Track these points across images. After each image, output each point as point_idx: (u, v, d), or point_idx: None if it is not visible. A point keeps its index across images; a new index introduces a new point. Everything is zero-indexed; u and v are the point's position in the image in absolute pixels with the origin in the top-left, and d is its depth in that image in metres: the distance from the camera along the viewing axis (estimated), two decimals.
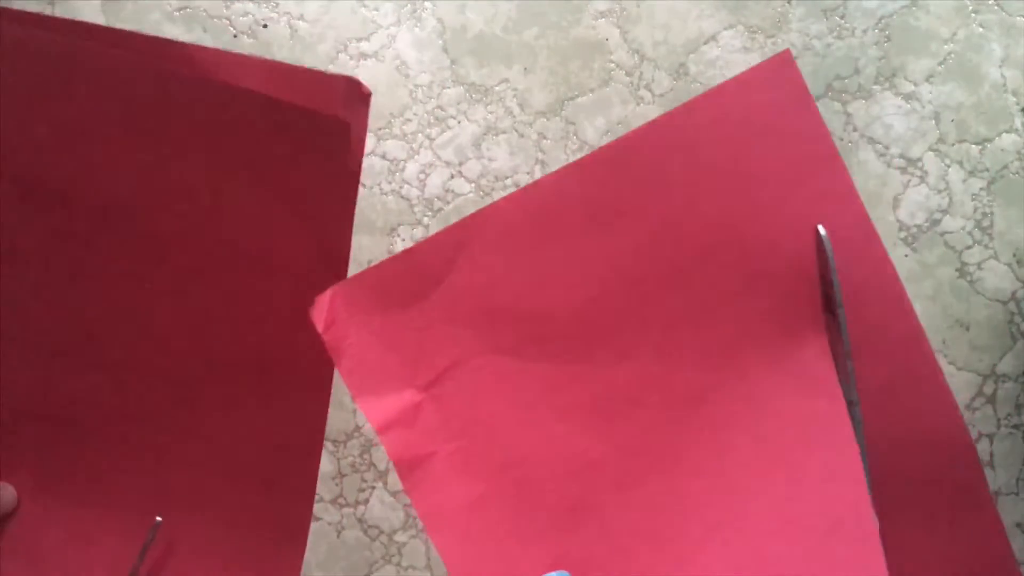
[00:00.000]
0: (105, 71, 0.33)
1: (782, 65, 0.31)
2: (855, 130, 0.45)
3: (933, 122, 0.45)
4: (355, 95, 0.33)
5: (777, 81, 0.31)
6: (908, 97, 0.45)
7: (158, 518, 0.38)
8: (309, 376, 0.36)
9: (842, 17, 0.46)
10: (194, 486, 0.38)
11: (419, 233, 0.45)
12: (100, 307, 0.36)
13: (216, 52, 0.33)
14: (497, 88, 0.45)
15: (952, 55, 0.45)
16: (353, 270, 0.45)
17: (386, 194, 0.45)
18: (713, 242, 0.32)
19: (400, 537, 0.44)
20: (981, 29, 0.45)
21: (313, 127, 0.33)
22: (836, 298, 0.32)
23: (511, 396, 0.33)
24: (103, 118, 0.33)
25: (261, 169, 0.34)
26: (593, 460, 0.32)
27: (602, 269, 0.32)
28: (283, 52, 0.45)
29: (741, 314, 0.32)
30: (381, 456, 0.45)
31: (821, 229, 0.32)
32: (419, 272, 0.33)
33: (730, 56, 0.45)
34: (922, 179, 0.45)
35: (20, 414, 0.38)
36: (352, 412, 0.45)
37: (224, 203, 0.35)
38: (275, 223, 0.35)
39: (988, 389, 0.45)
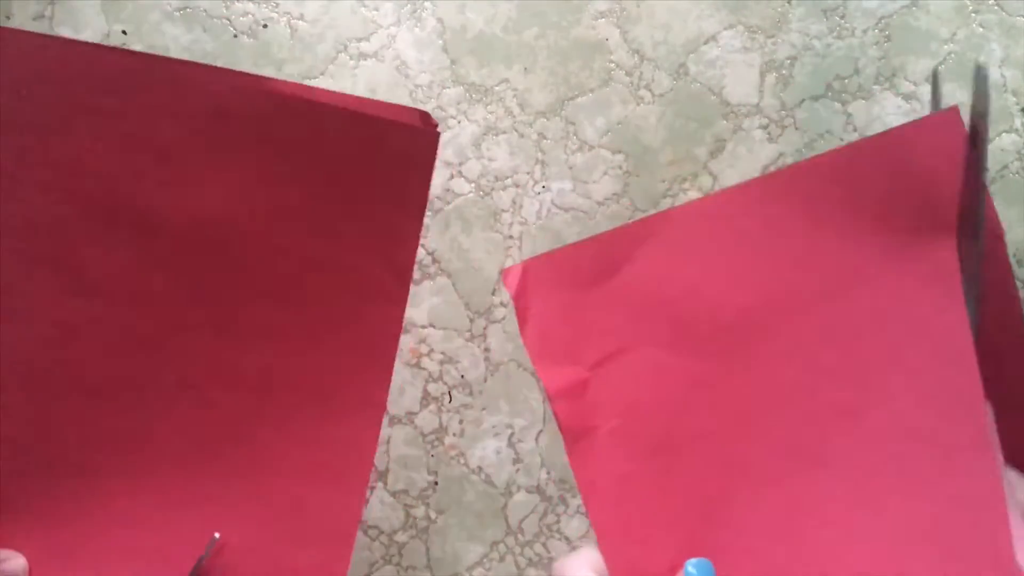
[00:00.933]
0: (188, 90, 0.34)
1: (947, 123, 0.32)
2: (855, 130, 0.45)
3: None
4: (427, 125, 0.36)
5: (939, 139, 0.32)
6: (908, 97, 0.45)
7: (216, 534, 0.37)
8: (364, 397, 0.37)
9: (842, 17, 0.46)
10: (243, 515, 0.38)
11: None
12: (186, 331, 0.37)
13: (298, 85, 0.35)
14: (497, 88, 0.45)
15: (952, 55, 0.45)
16: None
17: None
18: (854, 277, 0.34)
19: (400, 537, 0.44)
20: (981, 29, 0.45)
21: (386, 155, 0.35)
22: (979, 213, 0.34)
23: (667, 387, 0.35)
24: (185, 139, 0.35)
25: (339, 190, 0.36)
26: (737, 455, 0.34)
27: (763, 280, 0.35)
28: (283, 52, 0.45)
29: (890, 343, 0.34)
30: (381, 456, 0.45)
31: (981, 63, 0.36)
32: (600, 259, 0.35)
33: (730, 56, 0.45)
34: None
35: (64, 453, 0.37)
36: None
37: (301, 221, 0.36)
38: (347, 240, 0.36)
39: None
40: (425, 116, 0.36)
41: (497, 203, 0.45)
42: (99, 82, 0.34)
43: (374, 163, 0.36)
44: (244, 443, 0.37)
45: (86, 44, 0.34)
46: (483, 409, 0.43)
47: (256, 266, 0.36)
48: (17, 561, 0.37)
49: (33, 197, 0.34)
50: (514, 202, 0.45)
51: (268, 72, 0.45)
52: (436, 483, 0.45)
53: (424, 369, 0.45)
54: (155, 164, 0.35)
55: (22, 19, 0.45)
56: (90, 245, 0.35)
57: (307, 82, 0.45)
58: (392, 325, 0.37)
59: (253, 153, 0.35)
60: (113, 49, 0.35)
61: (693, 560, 0.33)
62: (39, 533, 0.37)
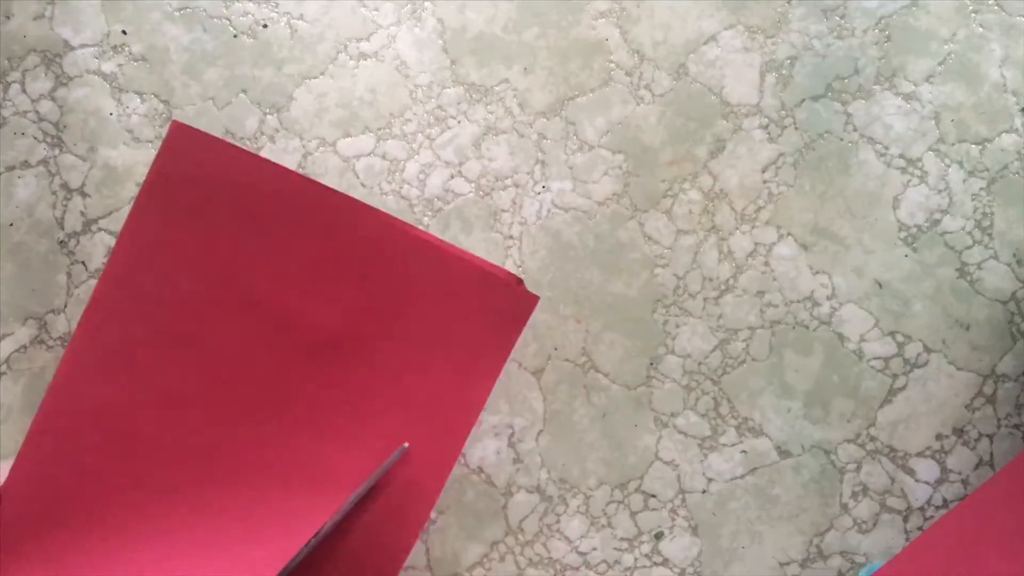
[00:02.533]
0: (345, 223, 0.42)
1: None
2: (855, 130, 0.45)
3: (933, 122, 0.45)
4: (522, 292, 0.42)
5: None
6: (908, 97, 0.45)
7: (406, 444, 0.41)
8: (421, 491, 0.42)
9: (842, 17, 0.46)
10: None
11: None
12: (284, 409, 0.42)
13: (433, 238, 0.42)
14: (497, 88, 0.45)
15: (952, 55, 0.45)
16: None
17: (386, 194, 0.45)
18: None
19: None
20: (981, 29, 0.45)
21: (493, 308, 0.42)
22: None
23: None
24: (330, 260, 0.41)
25: (442, 329, 0.42)
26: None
27: None
28: (283, 52, 0.45)
29: None
30: None
31: None
32: None
33: (730, 56, 0.45)
34: (922, 179, 0.45)
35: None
36: None
37: (403, 344, 0.42)
38: (435, 365, 0.42)
39: (988, 389, 0.45)
40: (519, 280, 0.42)
41: (497, 203, 0.45)
42: (271, 197, 0.41)
43: (482, 313, 0.41)
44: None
45: (270, 163, 0.42)
46: (483, 409, 0.43)
47: (353, 367, 0.42)
48: None
49: (187, 283, 0.41)
50: (514, 202, 0.45)
51: (267, 72, 0.45)
52: None
53: None
54: (299, 274, 0.41)
55: (22, 19, 0.45)
56: (227, 330, 0.41)
57: (307, 82, 0.45)
58: (447, 462, 0.42)
59: (381, 283, 0.41)
60: (290, 172, 0.42)
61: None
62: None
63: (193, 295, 0.41)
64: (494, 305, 0.41)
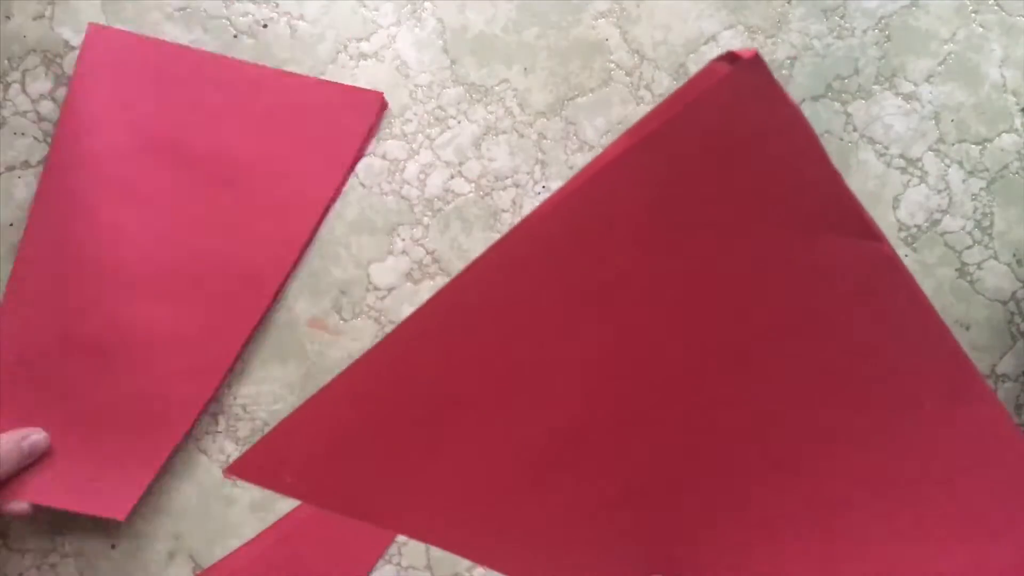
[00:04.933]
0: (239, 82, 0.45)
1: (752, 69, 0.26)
2: (855, 130, 0.45)
3: (933, 122, 0.45)
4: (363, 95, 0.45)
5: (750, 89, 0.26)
6: (908, 97, 0.45)
7: None
8: None
9: (842, 17, 0.46)
10: None
11: (419, 233, 0.45)
12: None
13: None
14: (497, 88, 0.45)
15: (952, 55, 0.45)
16: (353, 270, 0.45)
17: (386, 194, 0.45)
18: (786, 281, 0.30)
19: (400, 537, 0.44)
20: (981, 29, 0.45)
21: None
22: None
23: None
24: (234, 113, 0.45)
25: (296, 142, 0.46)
26: (704, 475, 0.33)
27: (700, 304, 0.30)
28: (283, 52, 0.45)
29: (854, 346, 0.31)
30: None
31: None
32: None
33: None
34: (922, 179, 0.45)
35: None
36: None
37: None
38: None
39: None
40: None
41: (497, 203, 0.45)
42: (191, 78, 0.45)
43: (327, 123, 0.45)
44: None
45: (181, 47, 0.45)
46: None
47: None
48: (39, 435, 0.42)
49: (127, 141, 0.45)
50: (514, 202, 0.45)
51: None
52: None
53: None
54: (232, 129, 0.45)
55: (22, 19, 0.45)
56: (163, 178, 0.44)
57: None
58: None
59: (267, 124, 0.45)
60: (204, 53, 0.45)
61: None
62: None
63: (131, 151, 0.44)
64: (339, 114, 0.45)
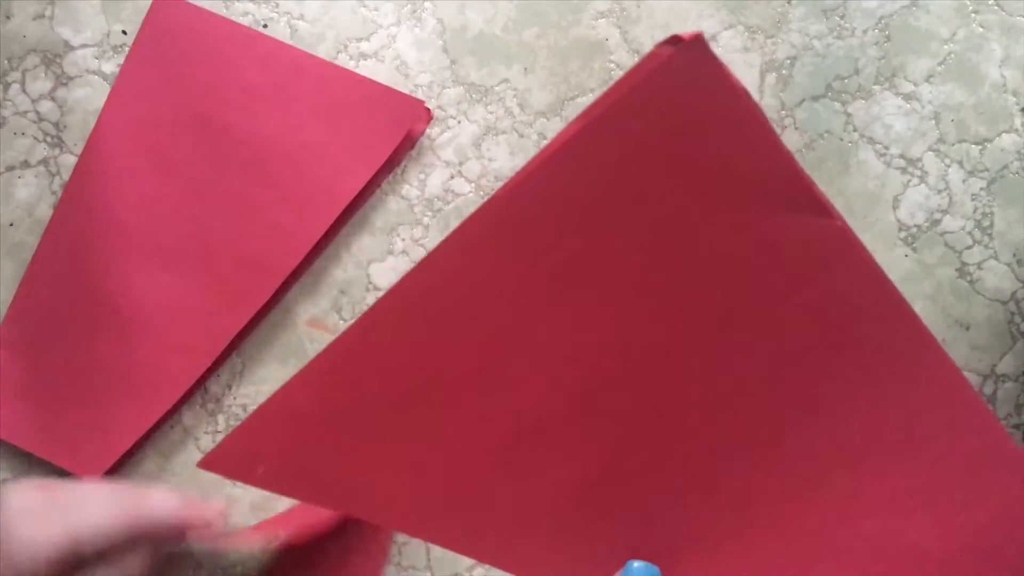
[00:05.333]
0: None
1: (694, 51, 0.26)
2: (855, 130, 0.45)
3: (933, 122, 0.45)
4: (407, 101, 0.45)
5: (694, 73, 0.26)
6: (908, 97, 0.45)
7: None
8: None
9: (842, 17, 0.46)
10: None
11: (419, 233, 0.45)
12: None
13: None
14: (497, 88, 0.45)
15: (952, 55, 0.45)
16: (353, 270, 0.45)
17: (386, 194, 0.45)
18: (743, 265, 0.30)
19: (400, 537, 0.44)
20: (981, 29, 0.45)
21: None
22: None
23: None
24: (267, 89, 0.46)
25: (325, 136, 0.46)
26: (683, 453, 0.33)
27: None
28: None
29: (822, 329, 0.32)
30: None
31: None
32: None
33: (730, 56, 0.45)
34: (922, 179, 0.45)
35: None
36: None
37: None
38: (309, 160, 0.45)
39: (988, 389, 0.45)
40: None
41: None
42: (252, 62, 0.45)
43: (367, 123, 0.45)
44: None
45: (249, 29, 0.45)
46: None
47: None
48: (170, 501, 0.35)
49: (174, 132, 0.45)
50: None
51: None
52: None
53: None
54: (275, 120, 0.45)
55: (22, 19, 0.45)
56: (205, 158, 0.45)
57: None
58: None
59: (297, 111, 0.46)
60: (267, 38, 0.45)
61: (638, 563, 0.32)
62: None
63: (182, 143, 0.44)
64: (379, 116, 0.45)
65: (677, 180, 0.28)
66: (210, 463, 0.32)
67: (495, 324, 0.31)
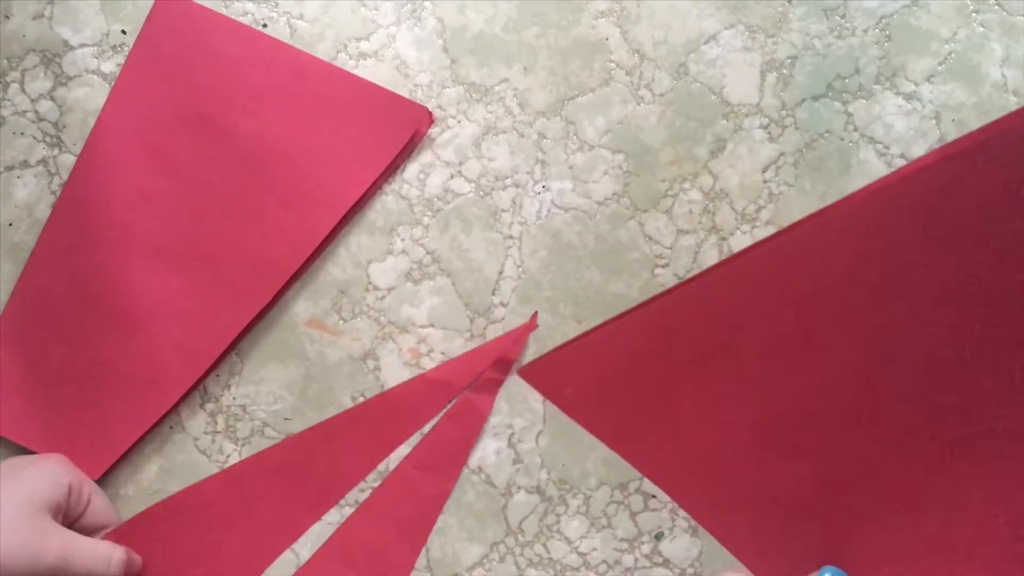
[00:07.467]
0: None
1: None
2: (855, 130, 0.45)
3: (934, 122, 0.45)
4: (411, 107, 0.45)
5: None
6: (909, 97, 0.45)
7: None
8: None
9: (843, 17, 0.45)
10: None
11: (419, 233, 0.45)
12: None
13: None
14: (497, 88, 0.45)
15: (953, 55, 0.45)
16: (352, 270, 0.45)
17: (386, 194, 0.45)
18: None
19: None
20: (982, 29, 0.45)
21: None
22: None
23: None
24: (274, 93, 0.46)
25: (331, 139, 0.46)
26: (883, 462, 0.35)
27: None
28: None
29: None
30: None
31: None
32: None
33: (730, 56, 0.45)
34: None
35: None
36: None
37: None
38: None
39: None
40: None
41: (497, 203, 0.45)
42: (253, 62, 0.45)
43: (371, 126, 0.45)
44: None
45: (251, 29, 0.45)
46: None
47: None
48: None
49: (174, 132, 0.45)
50: (514, 202, 0.45)
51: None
52: None
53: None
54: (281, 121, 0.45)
55: (22, 18, 0.45)
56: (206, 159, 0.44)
57: None
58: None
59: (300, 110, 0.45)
60: (271, 39, 0.45)
61: (831, 569, 0.34)
62: None
63: (179, 147, 0.44)
64: (382, 120, 0.45)
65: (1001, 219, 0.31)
66: (527, 373, 0.38)
67: (811, 313, 0.34)
